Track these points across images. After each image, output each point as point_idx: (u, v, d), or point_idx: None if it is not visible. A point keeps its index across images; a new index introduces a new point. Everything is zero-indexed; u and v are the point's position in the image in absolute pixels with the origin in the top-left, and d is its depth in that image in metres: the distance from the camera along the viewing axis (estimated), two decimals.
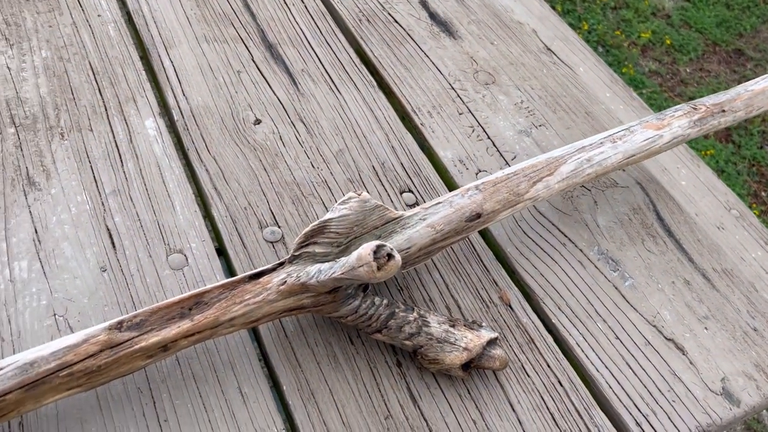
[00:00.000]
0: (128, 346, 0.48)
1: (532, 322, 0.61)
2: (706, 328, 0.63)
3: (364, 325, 0.54)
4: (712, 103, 0.72)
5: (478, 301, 0.61)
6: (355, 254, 0.47)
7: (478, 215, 0.58)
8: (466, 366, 0.55)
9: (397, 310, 0.54)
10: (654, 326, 0.63)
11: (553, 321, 0.62)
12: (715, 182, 0.81)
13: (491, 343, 0.55)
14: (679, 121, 0.70)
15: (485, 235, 0.68)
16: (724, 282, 0.68)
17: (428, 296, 0.61)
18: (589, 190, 0.73)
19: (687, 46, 2.34)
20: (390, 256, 0.46)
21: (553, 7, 2.46)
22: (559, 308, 0.63)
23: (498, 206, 0.59)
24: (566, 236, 0.68)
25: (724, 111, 0.72)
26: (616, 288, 0.65)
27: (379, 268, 0.46)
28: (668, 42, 2.35)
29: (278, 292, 0.52)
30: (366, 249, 0.46)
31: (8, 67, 0.72)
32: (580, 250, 0.67)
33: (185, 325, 0.49)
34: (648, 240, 0.70)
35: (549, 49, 1.20)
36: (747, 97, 0.74)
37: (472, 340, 0.54)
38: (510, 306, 0.61)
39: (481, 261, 0.65)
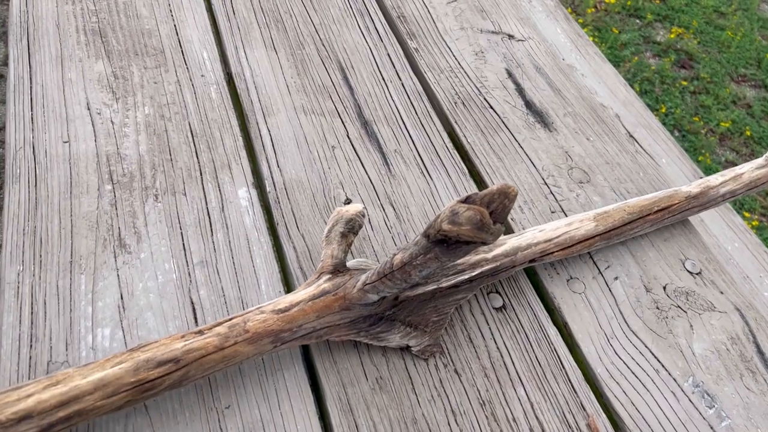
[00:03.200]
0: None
1: None
2: None
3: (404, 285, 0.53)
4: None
5: (564, 426, 0.58)
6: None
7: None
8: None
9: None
10: None
11: None
12: None
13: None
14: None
15: (574, 351, 0.64)
16: None
17: (512, 415, 0.57)
18: (685, 312, 0.69)
19: None
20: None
21: (631, 86, 2.43)
22: None
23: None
24: (659, 362, 0.64)
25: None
26: (711, 428, 0.60)
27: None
28: (748, 133, 2.28)
29: (302, 286, 0.57)
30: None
31: (112, 121, 0.73)
32: (674, 380, 0.63)
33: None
34: (747, 376, 0.65)
35: (632, 136, 1.17)
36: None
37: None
38: None
39: (569, 380, 0.61)
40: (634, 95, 1.24)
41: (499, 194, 0.46)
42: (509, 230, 0.74)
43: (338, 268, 0.57)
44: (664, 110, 2.31)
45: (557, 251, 0.67)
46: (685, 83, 2.45)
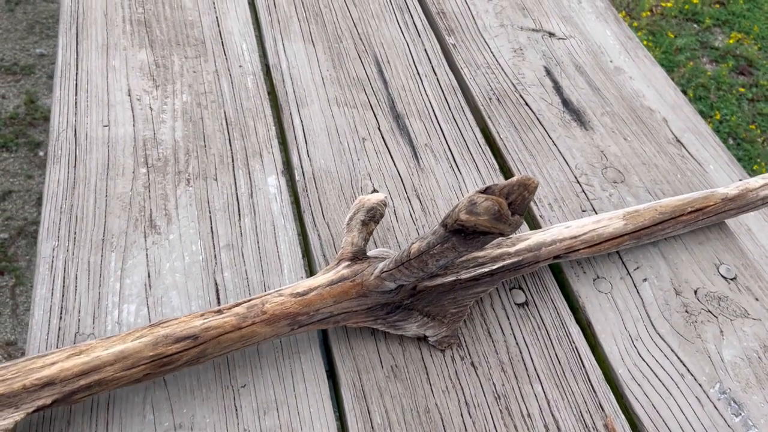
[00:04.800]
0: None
1: None
2: None
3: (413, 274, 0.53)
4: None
5: (581, 425, 0.57)
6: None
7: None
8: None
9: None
10: None
11: None
12: None
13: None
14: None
15: (596, 351, 0.63)
16: None
17: (527, 411, 0.57)
18: (716, 317, 0.67)
19: None
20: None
21: (684, 92, 2.36)
22: None
23: None
24: (686, 366, 0.62)
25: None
26: None
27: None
28: None
29: (321, 271, 0.58)
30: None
31: (151, 107, 0.76)
32: (700, 385, 0.61)
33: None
34: None
35: (679, 140, 1.14)
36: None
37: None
38: None
39: (589, 379, 0.60)
40: (683, 99, 1.21)
41: (518, 185, 0.46)
42: (538, 228, 0.73)
43: (358, 256, 0.58)
44: (718, 117, 2.24)
45: (584, 248, 0.65)
46: (743, 90, 2.37)
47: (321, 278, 0.56)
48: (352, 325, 0.57)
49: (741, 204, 0.73)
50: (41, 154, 1.66)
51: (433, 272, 0.53)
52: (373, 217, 0.60)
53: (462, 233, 0.47)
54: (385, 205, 0.61)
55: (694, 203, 0.71)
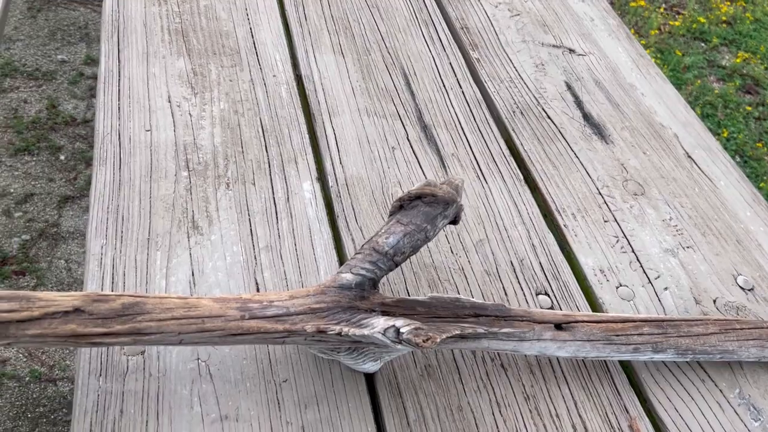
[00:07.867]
0: None
1: None
2: None
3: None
4: None
5: (606, 426, 0.59)
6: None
7: None
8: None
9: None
10: None
11: None
12: None
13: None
14: None
15: None
16: None
17: (555, 411, 0.59)
18: None
19: None
20: None
21: (692, 109, 2.39)
22: None
23: None
24: (706, 372, 0.65)
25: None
26: None
27: None
28: None
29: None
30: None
31: (190, 114, 0.79)
32: (720, 391, 0.64)
33: None
34: None
35: (689, 157, 1.16)
36: None
37: None
38: None
39: (614, 383, 0.62)
40: (694, 116, 1.24)
41: (446, 180, 0.62)
42: (563, 238, 0.76)
43: None
44: (726, 135, 2.27)
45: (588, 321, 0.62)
46: (749, 108, 2.40)
47: None
48: (311, 328, 0.53)
49: None
50: (62, 158, 1.69)
51: (387, 252, 0.57)
52: None
53: (401, 207, 0.59)
54: None
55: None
